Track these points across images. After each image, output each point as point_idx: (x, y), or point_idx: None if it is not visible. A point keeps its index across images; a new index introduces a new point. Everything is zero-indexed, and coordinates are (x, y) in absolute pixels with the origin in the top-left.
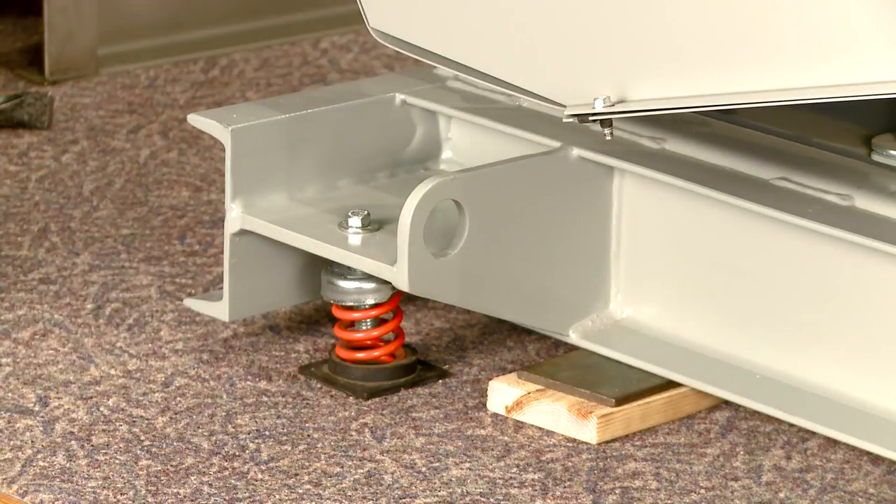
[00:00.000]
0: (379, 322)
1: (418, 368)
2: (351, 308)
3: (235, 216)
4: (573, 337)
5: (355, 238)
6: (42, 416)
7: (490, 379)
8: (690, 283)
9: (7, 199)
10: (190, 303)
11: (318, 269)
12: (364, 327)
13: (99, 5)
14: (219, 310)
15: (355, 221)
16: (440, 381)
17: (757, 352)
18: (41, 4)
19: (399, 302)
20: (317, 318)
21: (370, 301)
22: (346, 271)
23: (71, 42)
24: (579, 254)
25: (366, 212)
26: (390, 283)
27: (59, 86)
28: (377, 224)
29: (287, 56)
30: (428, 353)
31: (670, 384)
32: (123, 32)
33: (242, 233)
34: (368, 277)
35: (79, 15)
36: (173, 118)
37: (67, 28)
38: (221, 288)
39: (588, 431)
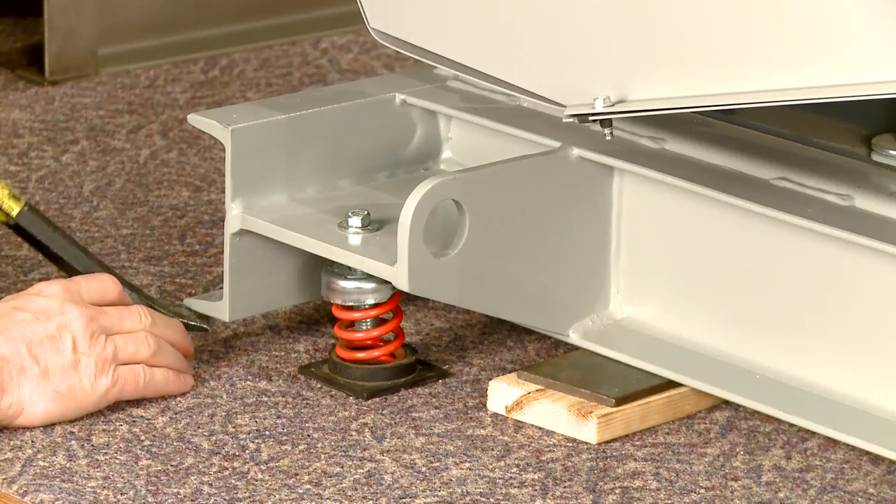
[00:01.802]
0: (379, 322)
1: (418, 368)
2: (351, 308)
3: (235, 216)
4: (573, 337)
5: (355, 238)
6: None
7: (490, 379)
8: (690, 283)
9: None
10: (190, 302)
11: (318, 269)
12: (364, 327)
13: (99, 5)
14: (219, 310)
15: (355, 221)
16: (440, 381)
17: (757, 351)
18: (41, 4)
19: (399, 302)
20: (317, 318)
21: (370, 301)
22: (346, 271)
23: (71, 42)
24: (579, 254)
25: (366, 212)
26: (390, 283)
27: (59, 86)
28: (377, 224)
29: (287, 56)
30: (428, 353)
31: (670, 384)
32: (123, 32)
33: (242, 233)
34: (368, 277)
35: (79, 15)
36: (173, 118)
37: (67, 28)
38: (221, 288)
39: (588, 431)
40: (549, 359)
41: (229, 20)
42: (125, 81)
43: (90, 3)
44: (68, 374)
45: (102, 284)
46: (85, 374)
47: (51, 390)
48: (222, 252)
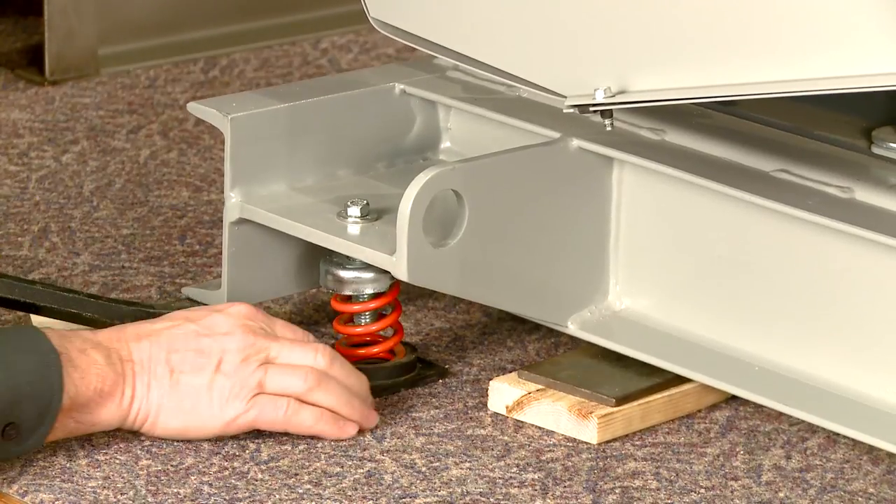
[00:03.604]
0: (378, 316)
1: (418, 367)
2: (349, 298)
3: (234, 204)
4: (572, 328)
5: (354, 227)
6: None
7: (490, 379)
8: (689, 275)
9: (7, 199)
10: (188, 291)
11: (317, 258)
12: (363, 321)
13: (99, 5)
14: (217, 299)
15: (354, 211)
16: (440, 381)
17: (756, 344)
18: (41, 4)
19: (398, 295)
20: (317, 318)
21: (369, 291)
22: (344, 261)
23: (71, 42)
24: (578, 244)
25: (365, 201)
26: (389, 273)
27: (59, 86)
28: (376, 214)
29: (287, 56)
30: (428, 353)
31: (670, 383)
32: (123, 32)
33: (241, 221)
34: (367, 267)
35: (79, 15)
36: (173, 118)
37: (67, 28)
38: (219, 277)
39: (588, 431)
40: (550, 358)
41: (229, 20)
42: (125, 81)
43: (90, 3)
44: (199, 392)
45: (295, 333)
46: (216, 395)
47: (176, 404)
48: (222, 252)
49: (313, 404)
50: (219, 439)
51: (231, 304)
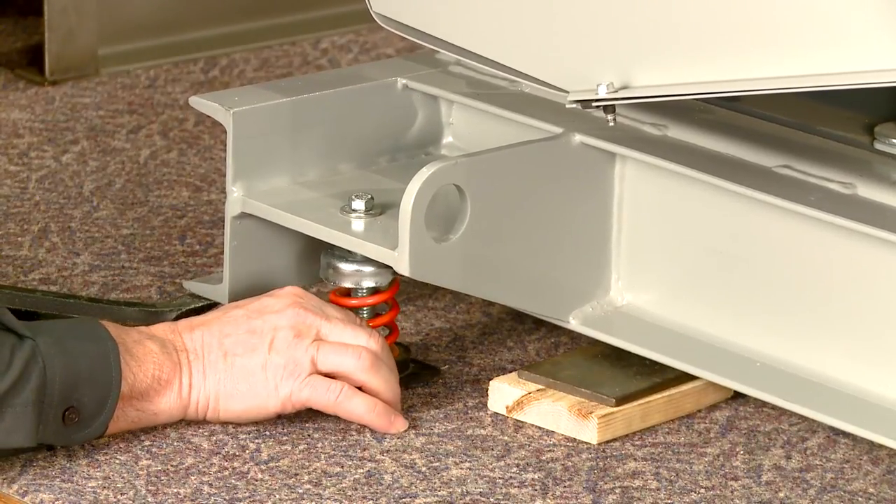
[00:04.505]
0: (374, 314)
1: (411, 366)
2: (349, 291)
3: (236, 199)
4: (573, 323)
5: (357, 222)
6: None
7: (490, 379)
8: (691, 271)
9: (7, 199)
10: (190, 285)
11: (318, 252)
12: (362, 315)
13: (99, 5)
14: (218, 293)
15: (357, 205)
16: (440, 380)
17: (757, 339)
18: (41, 4)
19: (396, 296)
20: None
21: (369, 284)
22: (346, 254)
23: (71, 42)
24: (580, 240)
25: (368, 196)
26: (389, 268)
27: (59, 86)
28: (379, 208)
29: (287, 56)
30: (428, 353)
31: (670, 383)
32: (123, 32)
33: (243, 216)
34: (368, 260)
35: (79, 15)
36: (173, 118)
37: (67, 28)
38: (221, 271)
39: (588, 431)
40: (550, 358)
41: (229, 20)
42: (125, 81)
43: (90, 3)
44: (254, 373)
45: (347, 314)
46: (270, 374)
47: (233, 387)
48: (222, 252)
49: (362, 384)
50: (220, 440)
51: (282, 288)
